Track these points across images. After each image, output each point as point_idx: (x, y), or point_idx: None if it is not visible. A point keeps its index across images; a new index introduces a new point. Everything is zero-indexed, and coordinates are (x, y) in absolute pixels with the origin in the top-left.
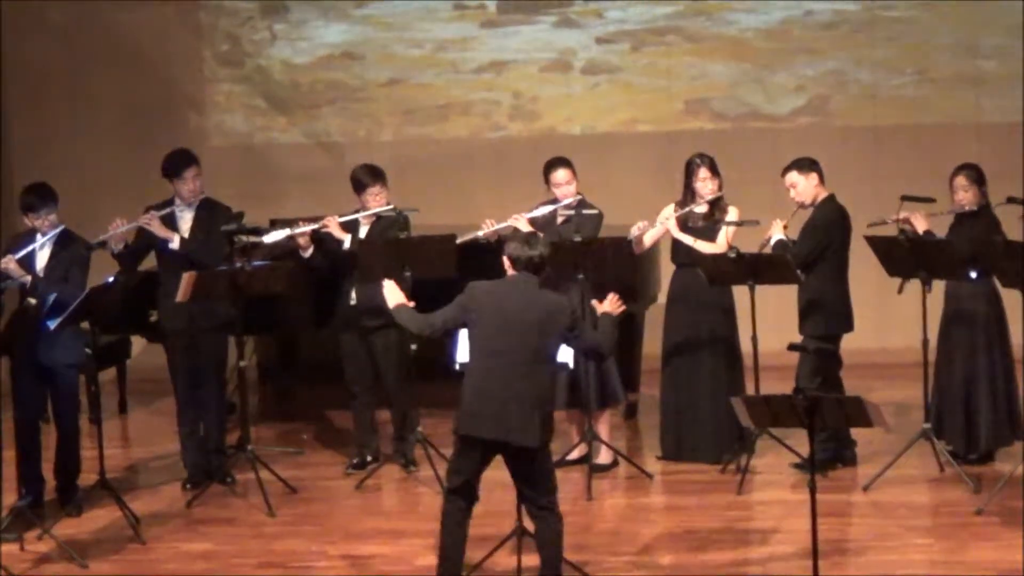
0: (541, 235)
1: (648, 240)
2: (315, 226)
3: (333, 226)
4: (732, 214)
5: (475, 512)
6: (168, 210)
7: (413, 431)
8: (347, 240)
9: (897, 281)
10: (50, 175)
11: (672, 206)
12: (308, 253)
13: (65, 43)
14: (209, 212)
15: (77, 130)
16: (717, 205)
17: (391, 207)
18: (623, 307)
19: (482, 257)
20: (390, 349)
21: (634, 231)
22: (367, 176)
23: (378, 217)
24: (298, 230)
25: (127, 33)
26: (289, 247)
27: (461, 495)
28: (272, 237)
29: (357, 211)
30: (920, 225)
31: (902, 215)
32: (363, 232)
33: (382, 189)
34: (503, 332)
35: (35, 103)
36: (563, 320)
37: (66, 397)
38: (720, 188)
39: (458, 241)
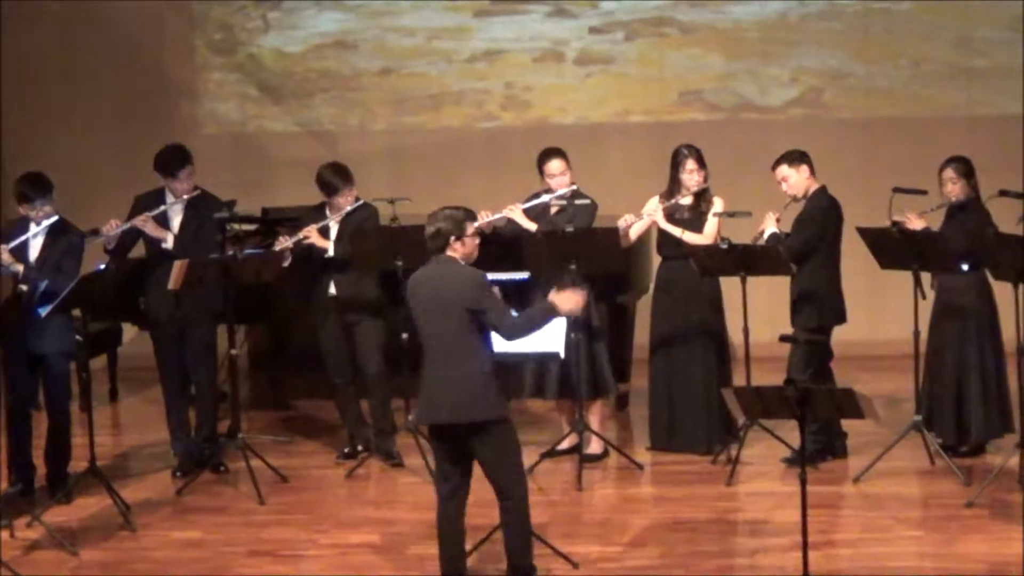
0: (449, 211)
1: (634, 234)
2: (298, 237)
3: (315, 236)
4: (718, 205)
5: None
6: (161, 209)
7: (393, 427)
8: (331, 248)
9: (892, 274)
10: (43, 162)
11: (656, 198)
12: (287, 262)
13: (59, 31)
14: (200, 206)
15: (70, 118)
16: (703, 197)
17: (360, 202)
18: (578, 304)
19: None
20: (370, 341)
21: (621, 224)
22: (338, 179)
23: (348, 214)
24: (281, 246)
25: (120, 21)
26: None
27: (445, 495)
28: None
29: (322, 204)
30: (915, 226)
31: (896, 217)
32: (334, 230)
33: (352, 189)
34: (432, 315)
35: (28, 91)
36: (470, 291)
37: (57, 384)
38: (706, 180)
39: None
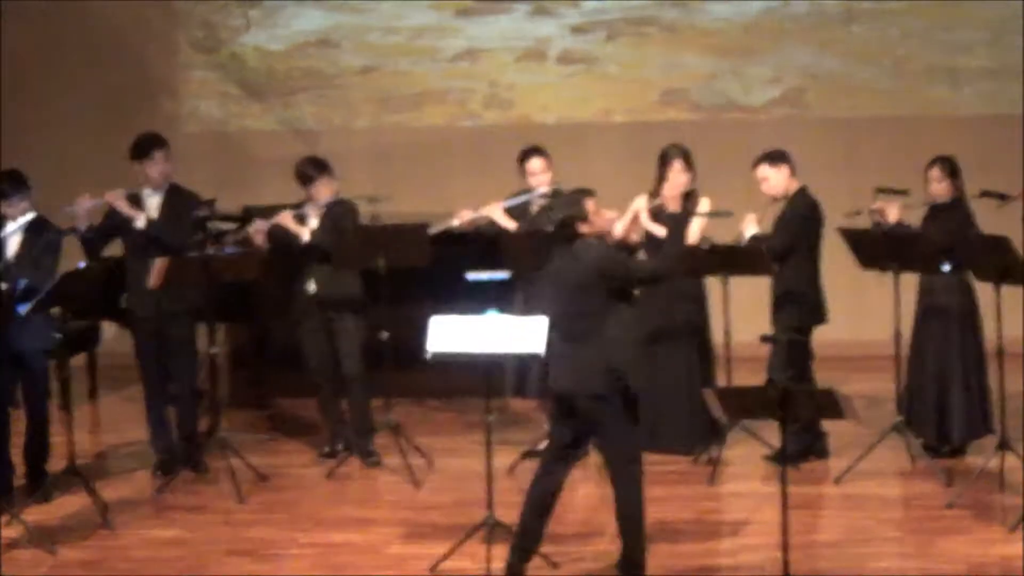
0: (565, 198)
1: (619, 229)
2: (271, 222)
3: (288, 221)
4: (704, 205)
5: (446, 502)
6: (136, 190)
7: (372, 426)
8: (305, 234)
9: (873, 274)
10: (23, 160)
11: (644, 196)
12: (263, 245)
13: (41, 29)
14: (177, 197)
15: (51, 115)
16: (689, 197)
17: (339, 197)
18: None
19: (458, 246)
20: (350, 339)
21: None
22: (313, 169)
23: (327, 208)
24: (253, 228)
25: (102, 18)
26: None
27: (543, 471)
28: (228, 237)
29: (302, 203)
30: (892, 215)
31: (876, 206)
32: (313, 224)
33: (330, 180)
34: (567, 295)
35: (9, 88)
36: (600, 265)
37: (36, 383)
38: (693, 180)
39: (432, 232)
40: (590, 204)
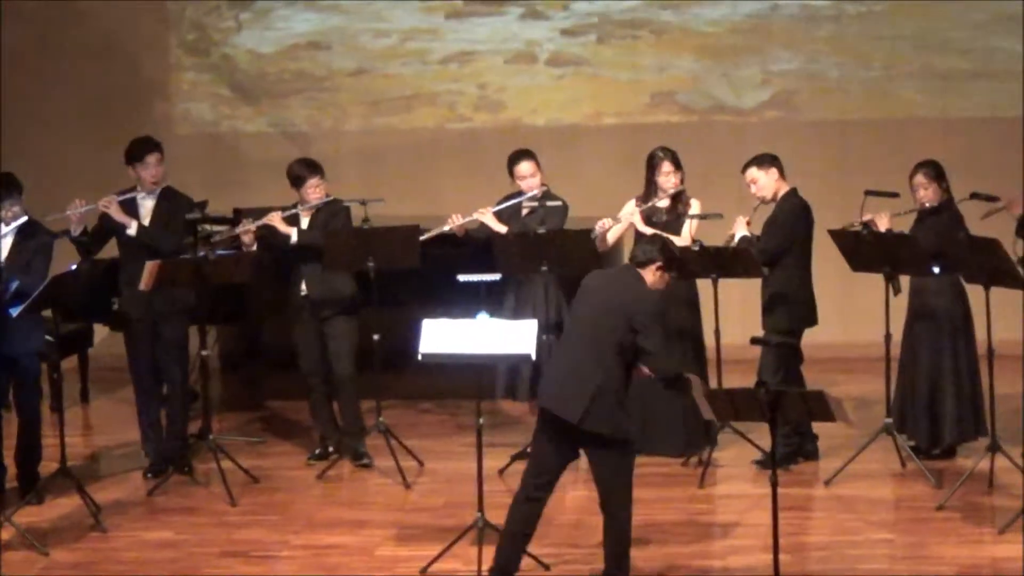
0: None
1: (612, 237)
2: (259, 223)
3: (277, 221)
4: (695, 207)
5: (436, 504)
6: (129, 195)
7: (362, 427)
8: (294, 234)
9: (864, 276)
10: (14, 162)
11: (633, 201)
12: (252, 247)
13: (33, 30)
14: (170, 200)
15: (43, 117)
16: (680, 199)
17: (330, 198)
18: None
19: (448, 250)
20: (341, 338)
21: (597, 229)
22: (304, 169)
23: (317, 209)
24: (241, 228)
25: (94, 20)
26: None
27: (525, 496)
28: (216, 236)
29: (296, 204)
30: (883, 225)
31: (866, 217)
32: (304, 225)
33: (320, 181)
34: (591, 308)
35: (1, 89)
36: (642, 310)
37: (28, 385)
38: (682, 182)
39: (423, 238)
40: (668, 275)
